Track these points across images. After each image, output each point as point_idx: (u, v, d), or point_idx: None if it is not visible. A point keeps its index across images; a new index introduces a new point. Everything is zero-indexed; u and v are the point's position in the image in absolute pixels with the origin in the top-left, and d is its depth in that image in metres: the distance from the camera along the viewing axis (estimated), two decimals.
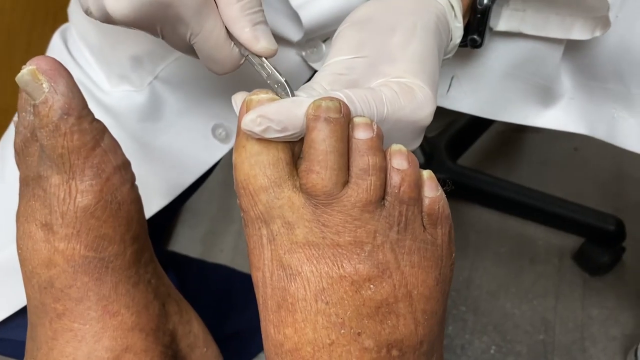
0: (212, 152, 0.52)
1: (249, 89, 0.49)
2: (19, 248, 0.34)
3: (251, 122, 0.27)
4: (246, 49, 0.32)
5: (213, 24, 0.31)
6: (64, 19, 0.54)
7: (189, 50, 0.33)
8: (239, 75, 0.49)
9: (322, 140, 0.27)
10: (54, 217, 0.33)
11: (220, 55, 0.32)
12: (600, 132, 0.47)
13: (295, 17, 0.44)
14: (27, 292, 0.35)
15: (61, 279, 0.33)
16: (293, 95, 0.31)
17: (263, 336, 0.30)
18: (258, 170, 0.28)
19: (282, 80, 0.31)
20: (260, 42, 0.31)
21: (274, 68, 0.32)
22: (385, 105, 0.31)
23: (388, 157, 0.29)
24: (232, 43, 0.32)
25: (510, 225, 1.00)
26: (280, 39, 0.46)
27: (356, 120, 0.29)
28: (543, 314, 0.91)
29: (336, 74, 0.33)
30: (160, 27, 0.31)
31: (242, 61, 0.33)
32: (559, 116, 0.49)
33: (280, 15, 0.45)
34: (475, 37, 0.41)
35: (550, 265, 0.96)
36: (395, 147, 0.29)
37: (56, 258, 0.33)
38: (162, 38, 0.32)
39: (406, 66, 0.33)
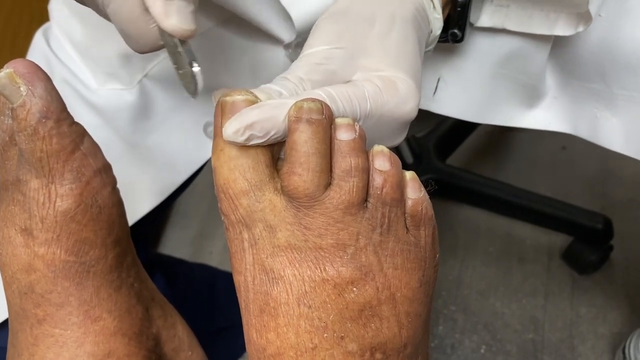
0: (203, 150, 0.51)
1: (247, 83, 0.49)
2: None
3: (234, 134, 0.27)
4: (158, 25, 0.28)
5: None
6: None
7: (107, 16, 0.30)
8: (235, 69, 0.49)
9: (304, 142, 0.27)
10: (33, 221, 0.32)
11: (133, 30, 0.30)
12: (583, 132, 0.47)
13: (287, 16, 0.43)
14: (7, 297, 0.34)
15: (41, 284, 0.33)
16: (196, 86, 0.29)
17: (246, 340, 0.30)
18: (238, 174, 0.27)
19: (193, 69, 0.29)
20: (171, 19, 0.28)
21: (188, 53, 0.29)
22: (368, 101, 0.31)
23: (370, 159, 0.29)
24: (150, 18, 0.29)
25: (498, 225, 1.01)
26: (272, 39, 0.46)
27: (338, 121, 0.28)
28: (532, 313, 0.91)
29: (313, 64, 0.32)
30: None
31: (161, 41, 0.30)
32: (543, 116, 0.49)
33: (275, 16, 0.44)
34: (455, 31, 0.41)
35: (539, 264, 0.96)
36: (378, 148, 0.29)
37: (36, 263, 0.33)
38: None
39: (386, 58, 0.33)
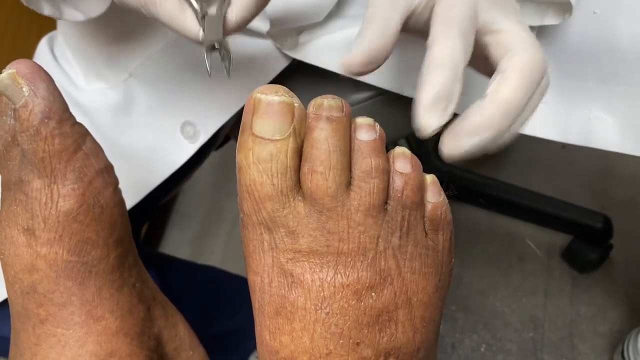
0: (179, 152, 0.51)
1: (227, 83, 0.49)
2: (0, 253, 0.34)
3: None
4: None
5: None
6: (49, 24, 0.53)
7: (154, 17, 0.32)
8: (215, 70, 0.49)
9: (324, 139, 0.27)
10: (35, 221, 0.32)
11: (177, 24, 0.32)
12: (572, 137, 0.46)
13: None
14: (10, 297, 0.35)
15: (44, 284, 0.33)
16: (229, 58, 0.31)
17: (257, 341, 0.29)
18: (266, 178, 0.27)
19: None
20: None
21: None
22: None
23: (391, 160, 0.28)
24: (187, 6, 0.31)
25: (498, 224, 1.01)
26: (252, 32, 0.46)
27: (358, 120, 0.28)
28: (532, 312, 0.91)
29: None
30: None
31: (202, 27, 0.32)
32: (530, 121, 0.48)
33: None
34: None
35: (539, 263, 0.97)
36: (399, 149, 0.28)
37: (38, 263, 0.33)
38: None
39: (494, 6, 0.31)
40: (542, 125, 0.48)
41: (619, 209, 0.99)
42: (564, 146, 1.10)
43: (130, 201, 0.49)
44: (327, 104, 0.27)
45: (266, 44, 0.47)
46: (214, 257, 1.06)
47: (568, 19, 0.40)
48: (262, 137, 0.26)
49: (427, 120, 0.28)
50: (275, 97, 0.27)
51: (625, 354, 0.80)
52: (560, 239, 0.97)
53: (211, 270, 0.70)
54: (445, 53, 0.29)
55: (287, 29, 0.45)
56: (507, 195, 0.96)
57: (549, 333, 0.89)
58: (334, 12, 0.45)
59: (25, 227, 0.33)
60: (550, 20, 0.41)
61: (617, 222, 0.92)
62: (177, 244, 1.09)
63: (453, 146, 0.29)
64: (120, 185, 0.49)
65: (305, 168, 0.27)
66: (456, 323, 0.91)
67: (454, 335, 0.90)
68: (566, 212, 0.93)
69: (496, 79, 0.30)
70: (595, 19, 0.41)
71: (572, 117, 0.46)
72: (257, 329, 0.29)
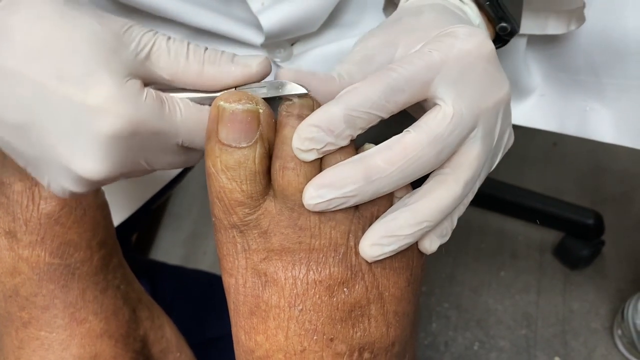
0: None
1: None
2: None
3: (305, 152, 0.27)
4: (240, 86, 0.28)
5: (190, 108, 0.28)
6: None
7: (186, 160, 0.30)
8: None
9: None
10: (17, 224, 0.32)
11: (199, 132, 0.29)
12: (570, 128, 0.47)
13: (257, 22, 0.43)
14: None
15: (26, 287, 0.33)
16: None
17: (234, 341, 0.30)
18: (235, 185, 0.27)
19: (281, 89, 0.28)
20: (253, 69, 0.28)
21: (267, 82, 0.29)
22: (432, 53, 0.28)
23: None
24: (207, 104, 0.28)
25: (490, 221, 1.01)
26: (245, 44, 0.46)
27: None
28: (525, 309, 0.91)
29: (354, 54, 0.31)
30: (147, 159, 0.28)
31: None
32: (529, 113, 0.49)
33: (242, 22, 0.44)
34: (503, 24, 0.38)
35: (531, 260, 0.97)
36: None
37: (21, 266, 0.33)
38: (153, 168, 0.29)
39: (428, 28, 0.31)
40: (540, 116, 0.48)
41: (610, 205, 0.99)
42: (555, 143, 1.10)
43: (123, 214, 0.49)
44: (298, 102, 0.28)
45: (258, 53, 0.47)
46: (206, 257, 1.06)
47: (574, 29, 0.40)
48: (228, 145, 0.27)
49: (295, 140, 0.27)
50: (239, 106, 0.26)
51: (626, 316, 0.81)
52: (552, 236, 0.98)
53: (202, 275, 0.70)
54: (351, 94, 0.27)
55: (281, 40, 0.45)
56: (499, 193, 0.96)
57: (542, 330, 0.89)
58: (328, 21, 0.45)
59: (7, 230, 0.33)
60: (552, 29, 0.41)
61: (609, 219, 0.93)
62: (170, 245, 1.09)
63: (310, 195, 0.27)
64: (113, 200, 0.49)
65: (276, 165, 0.27)
66: (449, 321, 0.91)
67: (446, 333, 0.90)
68: (558, 209, 0.93)
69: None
70: (586, 13, 0.41)
71: (568, 108, 0.47)
72: (233, 329, 0.29)
